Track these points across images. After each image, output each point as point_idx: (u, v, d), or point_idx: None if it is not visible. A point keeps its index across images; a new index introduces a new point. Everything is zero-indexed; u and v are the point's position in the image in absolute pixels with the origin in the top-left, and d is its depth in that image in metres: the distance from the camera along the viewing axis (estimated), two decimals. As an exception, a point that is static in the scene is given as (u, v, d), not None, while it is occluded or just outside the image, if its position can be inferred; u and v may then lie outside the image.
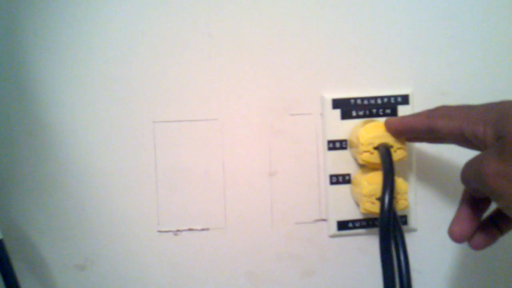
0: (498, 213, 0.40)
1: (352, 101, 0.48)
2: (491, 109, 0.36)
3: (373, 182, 0.45)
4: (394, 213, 0.44)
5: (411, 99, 0.48)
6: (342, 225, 0.49)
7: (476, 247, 0.40)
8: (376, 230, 0.49)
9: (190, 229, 0.49)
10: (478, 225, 0.40)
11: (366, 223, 0.49)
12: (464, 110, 0.38)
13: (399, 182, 0.45)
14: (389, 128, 0.44)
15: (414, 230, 0.50)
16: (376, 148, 0.44)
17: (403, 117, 0.44)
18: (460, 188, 0.41)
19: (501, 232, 0.40)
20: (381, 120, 0.47)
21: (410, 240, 0.48)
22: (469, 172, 0.36)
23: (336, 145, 0.48)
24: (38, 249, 0.48)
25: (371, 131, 0.45)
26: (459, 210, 0.40)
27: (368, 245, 0.49)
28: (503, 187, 0.33)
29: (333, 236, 0.49)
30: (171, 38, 0.47)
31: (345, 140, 0.48)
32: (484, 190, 0.35)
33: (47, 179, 0.47)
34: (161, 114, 0.48)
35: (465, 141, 0.38)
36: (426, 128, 0.40)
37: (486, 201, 0.40)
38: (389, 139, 0.44)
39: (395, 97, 0.48)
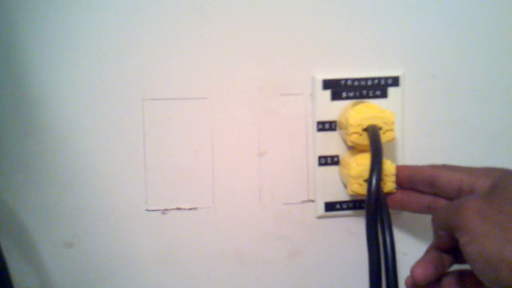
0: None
1: (343, 82, 0.48)
2: (493, 168, 0.40)
3: (361, 163, 0.45)
4: (381, 195, 0.44)
5: (401, 81, 0.48)
6: (330, 206, 0.49)
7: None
8: (363, 211, 0.49)
9: (178, 208, 0.49)
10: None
11: (353, 204, 0.49)
12: (466, 167, 0.41)
13: (387, 164, 0.45)
14: (399, 174, 0.45)
15: (400, 212, 0.50)
16: (365, 129, 0.44)
17: (411, 166, 0.46)
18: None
19: None
20: (371, 101, 0.47)
21: (397, 222, 0.49)
22: (447, 209, 0.39)
23: (325, 126, 0.48)
24: (25, 226, 0.47)
25: (361, 113, 0.45)
26: (428, 253, 0.42)
27: (355, 226, 0.50)
28: (475, 223, 0.35)
29: (320, 217, 0.49)
30: (162, 15, 0.46)
31: (334, 122, 0.48)
32: (454, 224, 0.37)
33: (34, 156, 0.47)
34: (150, 91, 0.47)
35: (457, 194, 0.41)
36: (429, 176, 0.43)
37: (452, 256, 0.42)
38: (378, 121, 0.44)
39: (386, 78, 0.48)
